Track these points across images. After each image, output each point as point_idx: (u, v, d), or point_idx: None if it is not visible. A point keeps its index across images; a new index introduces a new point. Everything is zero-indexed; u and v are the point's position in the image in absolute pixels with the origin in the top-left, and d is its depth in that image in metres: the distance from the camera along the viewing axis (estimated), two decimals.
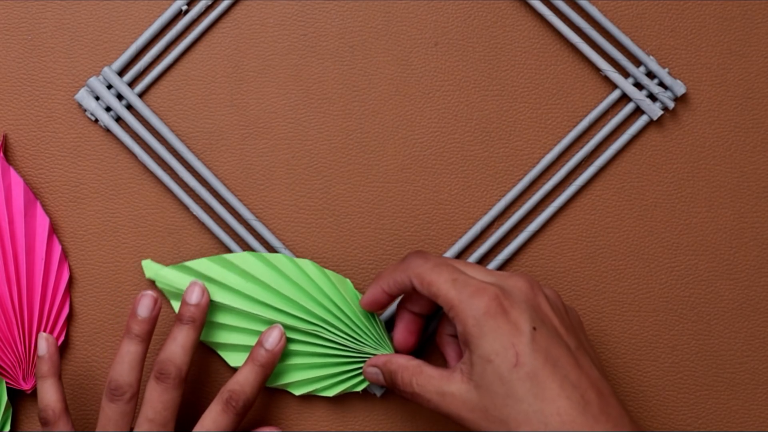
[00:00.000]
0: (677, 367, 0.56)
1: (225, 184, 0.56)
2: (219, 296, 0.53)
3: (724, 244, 0.56)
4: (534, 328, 0.45)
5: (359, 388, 0.53)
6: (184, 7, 0.56)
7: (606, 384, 0.46)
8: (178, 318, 0.51)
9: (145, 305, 0.50)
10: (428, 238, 0.56)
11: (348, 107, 0.57)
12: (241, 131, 0.56)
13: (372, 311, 0.52)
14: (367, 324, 0.52)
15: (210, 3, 0.57)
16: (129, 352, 0.49)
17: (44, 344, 0.51)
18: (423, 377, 0.47)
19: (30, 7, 0.57)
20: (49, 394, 0.50)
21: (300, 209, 0.56)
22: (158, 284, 0.54)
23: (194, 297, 0.51)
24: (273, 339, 0.51)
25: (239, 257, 0.53)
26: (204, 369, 0.55)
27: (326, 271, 0.53)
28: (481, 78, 0.57)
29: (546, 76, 0.57)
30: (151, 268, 0.54)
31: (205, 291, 0.51)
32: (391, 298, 0.50)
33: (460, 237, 0.56)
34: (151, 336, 0.50)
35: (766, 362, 0.56)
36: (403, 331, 0.52)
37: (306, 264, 0.53)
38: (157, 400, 0.49)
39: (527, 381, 0.44)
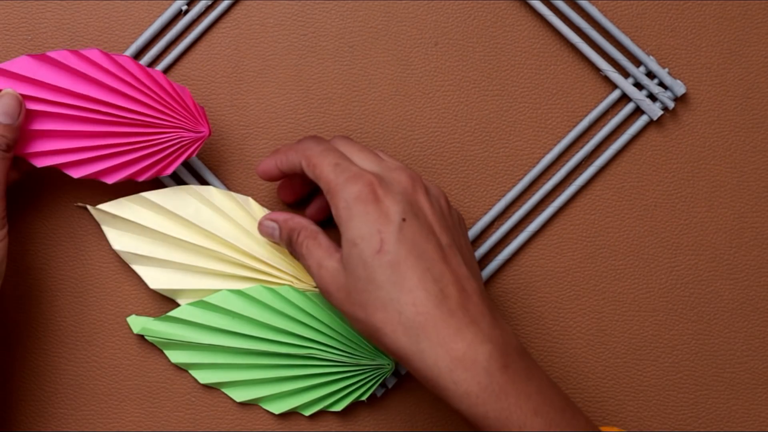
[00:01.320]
0: (677, 367, 0.56)
1: (225, 184, 0.56)
2: (210, 338, 0.53)
3: (724, 244, 0.56)
4: (404, 219, 0.45)
5: (364, 398, 0.53)
6: (184, 7, 0.56)
7: (473, 283, 0.46)
8: None
9: (5, 104, 0.49)
10: None
11: (348, 107, 0.57)
12: (241, 131, 0.56)
13: (265, 180, 0.52)
14: (359, 336, 0.53)
15: (210, 3, 0.57)
16: None
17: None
18: (314, 243, 0.49)
19: (30, 7, 0.57)
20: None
21: (300, 209, 0.56)
22: (147, 337, 0.54)
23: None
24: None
25: (218, 297, 0.53)
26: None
27: (307, 293, 0.53)
28: (481, 78, 0.57)
29: (546, 76, 0.57)
30: (137, 323, 0.54)
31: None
32: (283, 174, 0.51)
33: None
34: (14, 147, 0.49)
35: (766, 362, 0.56)
36: (316, 209, 0.54)
37: (285, 290, 0.53)
38: None
39: (388, 269, 0.44)
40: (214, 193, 0.53)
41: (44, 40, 0.56)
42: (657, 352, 0.56)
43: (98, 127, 0.51)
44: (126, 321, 0.55)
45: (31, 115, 0.51)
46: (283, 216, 0.51)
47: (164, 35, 0.56)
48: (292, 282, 0.53)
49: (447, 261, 0.45)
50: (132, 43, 0.56)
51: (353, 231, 0.45)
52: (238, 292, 0.53)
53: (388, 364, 0.53)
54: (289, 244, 0.50)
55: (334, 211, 0.46)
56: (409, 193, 0.47)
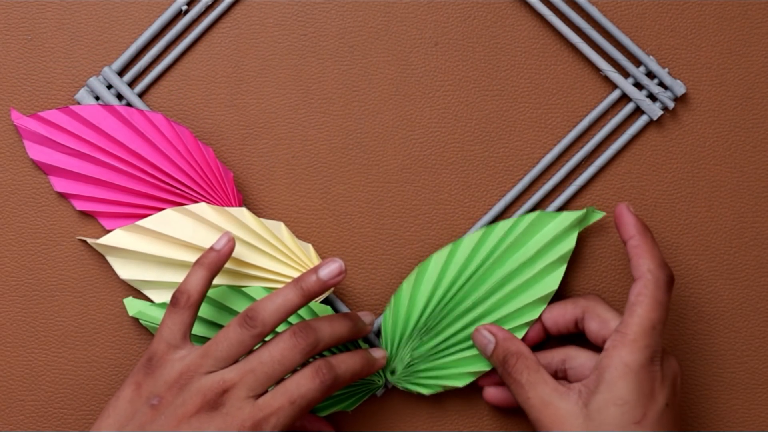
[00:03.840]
0: None
1: None
2: (205, 331, 0.53)
3: (724, 244, 0.56)
4: (666, 405, 0.47)
5: (349, 409, 0.54)
6: (184, 7, 0.56)
7: None
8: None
9: (329, 270, 0.49)
10: (428, 238, 0.56)
11: (348, 107, 0.57)
12: (241, 131, 0.56)
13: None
14: (350, 347, 0.53)
15: (210, 3, 0.57)
16: (286, 297, 0.48)
17: (223, 241, 0.50)
18: (537, 377, 0.48)
19: (30, 7, 0.57)
20: (194, 281, 0.49)
21: (300, 209, 0.56)
22: (142, 321, 0.54)
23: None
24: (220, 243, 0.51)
25: (217, 292, 0.53)
26: None
27: None
28: (481, 78, 0.57)
29: (546, 76, 0.57)
30: (134, 306, 0.54)
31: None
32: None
33: (460, 237, 0.56)
34: (314, 298, 0.49)
35: (766, 362, 0.56)
36: (532, 336, 0.53)
37: None
38: (279, 352, 0.47)
39: None
40: (206, 210, 0.53)
41: (44, 40, 0.56)
42: None
43: (140, 186, 0.54)
44: (122, 318, 0.55)
45: (85, 159, 0.54)
46: (503, 334, 0.51)
47: (164, 35, 0.56)
48: None
49: None
50: (132, 43, 0.56)
51: (623, 392, 0.46)
52: (237, 290, 0.53)
53: (379, 380, 0.53)
54: (501, 365, 0.50)
55: (606, 361, 0.47)
56: (675, 378, 0.48)
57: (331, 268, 0.48)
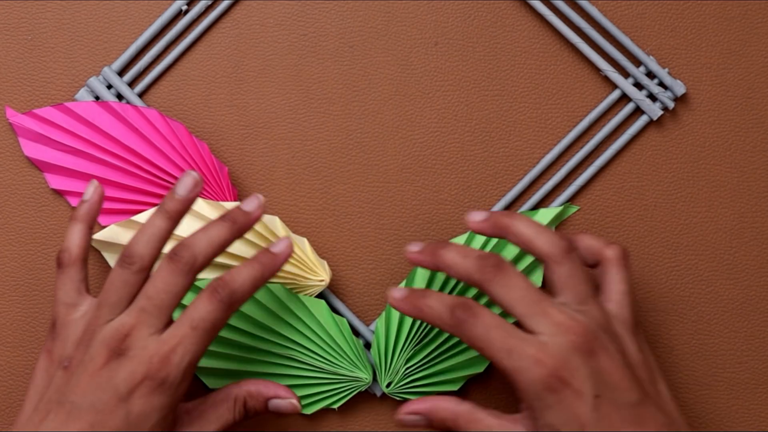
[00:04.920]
0: (677, 367, 0.56)
1: None
2: None
3: (724, 244, 0.56)
4: (596, 396, 0.44)
5: (335, 406, 0.54)
6: (184, 7, 0.56)
7: (674, 421, 0.46)
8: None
9: (185, 184, 0.48)
10: (428, 238, 0.56)
11: (348, 107, 0.57)
12: (241, 131, 0.56)
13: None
14: (342, 346, 0.53)
15: (210, 3, 0.57)
16: (153, 225, 0.47)
17: (90, 190, 0.50)
18: (480, 426, 0.46)
19: (30, 7, 0.57)
20: (73, 238, 0.49)
21: (300, 209, 0.56)
22: None
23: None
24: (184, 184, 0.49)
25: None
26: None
27: (298, 295, 0.53)
28: (481, 78, 0.57)
29: (546, 76, 0.57)
30: None
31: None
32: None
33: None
34: (181, 219, 0.48)
35: (766, 362, 0.56)
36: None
37: (276, 288, 0.53)
38: (161, 280, 0.46)
39: None
40: (201, 204, 0.53)
41: (44, 40, 0.56)
42: (657, 351, 0.56)
43: (136, 182, 0.54)
44: None
45: (80, 155, 0.54)
46: (424, 405, 0.48)
47: (164, 35, 0.56)
48: (295, 279, 0.53)
49: (643, 421, 0.44)
50: (132, 43, 0.56)
51: (551, 418, 0.44)
52: None
53: (366, 378, 0.53)
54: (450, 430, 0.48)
55: (521, 395, 0.45)
56: (591, 359, 0.44)
57: (184, 182, 0.48)
